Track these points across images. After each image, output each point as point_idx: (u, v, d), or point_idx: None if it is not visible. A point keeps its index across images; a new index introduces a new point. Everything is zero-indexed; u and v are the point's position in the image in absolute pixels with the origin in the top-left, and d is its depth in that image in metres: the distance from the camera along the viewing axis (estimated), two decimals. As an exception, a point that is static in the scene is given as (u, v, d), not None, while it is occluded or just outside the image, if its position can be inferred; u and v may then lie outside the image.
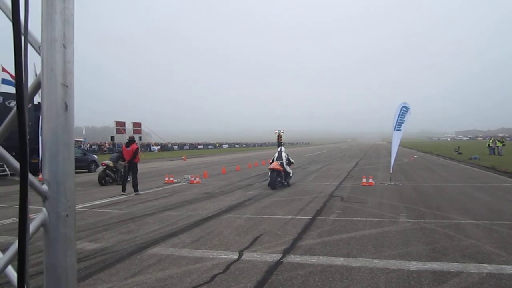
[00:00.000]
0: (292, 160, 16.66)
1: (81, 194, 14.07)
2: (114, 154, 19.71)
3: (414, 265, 5.51)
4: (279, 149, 16.95)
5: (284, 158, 15.85)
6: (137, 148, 14.85)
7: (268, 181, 15.53)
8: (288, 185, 15.98)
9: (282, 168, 15.48)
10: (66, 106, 0.97)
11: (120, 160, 16.28)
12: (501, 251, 6.11)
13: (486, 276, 5.04)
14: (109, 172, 17.50)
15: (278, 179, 15.32)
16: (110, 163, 17.55)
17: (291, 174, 16.45)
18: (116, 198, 13.06)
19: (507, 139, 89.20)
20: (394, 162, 16.70)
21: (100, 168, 20.39)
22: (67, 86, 0.97)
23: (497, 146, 38.32)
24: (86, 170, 26.17)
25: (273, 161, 16.01)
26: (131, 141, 14.78)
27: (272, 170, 15.28)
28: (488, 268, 5.34)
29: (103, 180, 17.23)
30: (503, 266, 5.43)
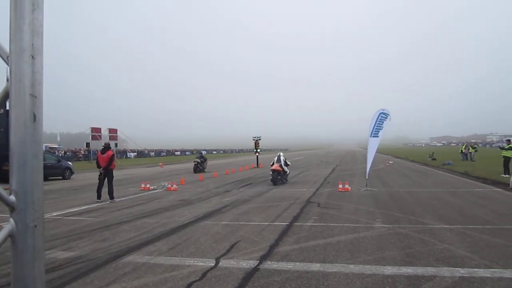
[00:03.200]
0: (288, 162, 20.41)
1: (55, 201, 13.83)
2: (199, 154, 33.64)
3: (389, 270, 5.58)
4: (278, 153, 20.49)
5: (282, 161, 19.45)
6: (113, 155, 14.67)
7: (270, 179, 19.36)
8: (286, 181, 19.92)
9: (281, 169, 19.13)
10: (35, 116, 0.97)
11: (201, 159, 30.51)
12: (473, 255, 6.24)
13: (459, 280, 5.14)
14: (199, 165, 29.33)
15: (279, 177, 19.05)
16: (198, 160, 30.03)
17: (288, 173, 20.33)
18: (91, 206, 12.87)
19: (479, 145, 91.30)
20: (371, 168, 16.89)
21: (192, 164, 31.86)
22: (35, 97, 0.97)
23: (470, 152, 39.18)
24: (60, 177, 25.71)
25: (273, 164, 19.48)
26: (106, 147, 14.60)
27: (273, 170, 19.07)
28: (460, 271, 5.45)
29: (197, 169, 29.12)
30: (475, 269, 5.54)
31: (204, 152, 42.20)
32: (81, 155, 61.43)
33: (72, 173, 27.10)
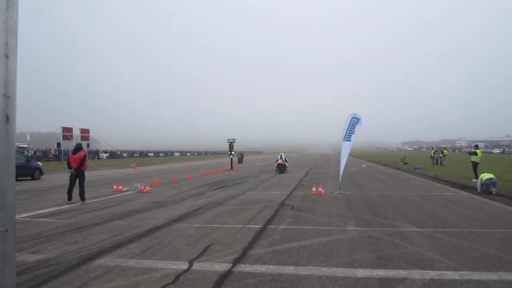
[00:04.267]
0: (287, 160, 32.69)
1: (24, 203, 13.47)
2: (240, 153, 45.97)
3: (361, 273, 5.65)
4: (280, 154, 32.00)
5: (283, 158, 30.75)
6: (85, 155, 14.43)
7: (276, 170, 30.20)
8: (286, 171, 30.66)
9: (283, 163, 30.32)
10: (7, 117, 0.94)
11: (240, 155, 47.16)
12: (442, 258, 6.37)
13: (429, 282, 5.24)
14: (241, 159, 41.77)
15: (282, 168, 29.94)
16: (240, 156, 44.04)
17: (286, 166, 31.75)
18: (61, 207, 12.60)
19: (449, 150, 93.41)
20: (344, 171, 17.07)
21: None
22: (8, 97, 0.94)
23: (440, 157, 40.03)
24: (29, 178, 25.11)
25: (277, 160, 30.71)
26: (78, 148, 14.33)
27: (279, 164, 30.11)
28: (430, 274, 5.56)
29: (240, 161, 42.51)
30: (444, 272, 5.66)
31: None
32: (51, 155, 60.08)
33: (41, 173, 26.50)
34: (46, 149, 69.22)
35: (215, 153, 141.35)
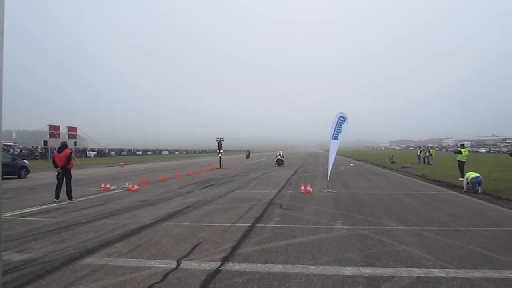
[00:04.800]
0: (284, 156, 40.86)
1: (10, 201, 13.35)
2: (247, 150, 65.47)
3: (349, 271, 5.68)
4: (279, 151, 41.42)
5: (282, 155, 39.12)
6: (70, 153, 14.30)
7: (276, 164, 38.40)
8: (283, 165, 38.15)
9: (282, 158, 38.43)
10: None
11: (248, 152, 57.08)
12: (429, 256, 6.43)
13: (416, 280, 5.29)
14: (249, 155, 57.29)
15: (280, 162, 37.91)
16: (248, 153, 64.34)
17: (284, 161, 39.34)
18: (48, 206, 12.49)
19: (436, 149, 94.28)
20: (332, 170, 17.15)
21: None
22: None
23: (427, 156, 40.38)
24: (15, 176, 24.86)
25: (277, 156, 39.23)
26: (63, 146, 14.17)
27: (278, 159, 38.32)
28: (417, 272, 5.61)
29: (247, 157, 55.31)
30: (431, 269, 5.72)
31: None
32: (38, 154, 59.44)
33: (28, 172, 26.27)
34: (32, 147, 68.50)
35: (203, 152, 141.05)
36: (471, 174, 15.98)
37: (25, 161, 28.61)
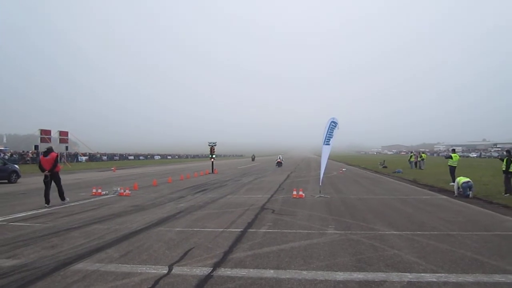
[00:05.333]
0: (283, 159, 52.37)
1: (0, 206, 13.32)
2: (253, 155, 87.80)
3: (340, 276, 5.69)
4: (279, 156, 54.44)
5: (281, 158, 50.83)
6: (57, 156, 14.35)
7: (276, 165, 48.26)
8: (281, 166, 48.34)
9: (281, 161, 49.67)
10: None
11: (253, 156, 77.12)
12: (420, 260, 6.46)
13: (407, 285, 5.30)
14: (254, 159, 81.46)
15: (280, 164, 47.79)
16: (254, 156, 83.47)
17: (283, 164, 49.50)
18: (39, 211, 12.40)
19: (428, 153, 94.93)
20: (324, 175, 17.18)
21: None
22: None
23: (419, 160, 40.63)
24: (6, 181, 24.67)
25: (277, 159, 50.27)
26: (49, 150, 14.23)
27: (278, 162, 49.02)
28: (409, 276, 5.62)
29: (253, 160, 79.10)
30: (422, 274, 5.74)
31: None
32: (28, 158, 58.98)
33: (18, 176, 26.08)
34: (23, 151, 67.92)
35: (196, 157, 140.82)
36: (461, 179, 16.10)
37: (16, 165, 28.39)
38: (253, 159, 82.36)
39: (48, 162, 13.85)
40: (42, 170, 13.94)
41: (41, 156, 14.48)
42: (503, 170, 16.21)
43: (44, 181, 13.81)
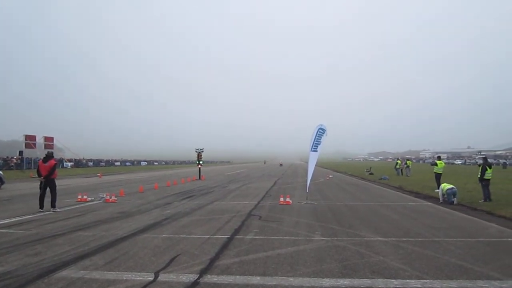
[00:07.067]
0: (282, 163, 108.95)
1: (-17, 213, 13.04)
2: (264, 161, 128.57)
3: (327, 282, 5.71)
4: (281, 161, 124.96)
5: (281, 163, 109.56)
6: (55, 164, 14.49)
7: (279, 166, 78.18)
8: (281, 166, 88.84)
9: (281, 163, 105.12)
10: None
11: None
12: (406, 267, 6.51)
13: (392, 291, 5.35)
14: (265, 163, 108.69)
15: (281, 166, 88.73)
16: (264, 162, 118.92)
17: (282, 165, 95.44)
18: (23, 218, 12.24)
19: (413, 160, 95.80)
20: (311, 181, 17.23)
21: None
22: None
23: (405, 167, 41.00)
24: (-11, 187, 24.31)
25: (280, 163, 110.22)
26: (49, 156, 14.29)
27: (280, 164, 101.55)
28: (394, 283, 5.66)
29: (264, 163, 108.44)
30: (407, 280, 5.78)
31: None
32: (13, 164, 58.17)
33: (2, 182, 25.69)
34: (7, 157, 66.96)
35: (183, 163, 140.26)
36: (446, 186, 16.26)
37: (0, 171, 28.01)
38: (265, 162, 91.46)
39: (45, 168, 14.02)
40: (39, 175, 14.11)
41: (40, 161, 14.58)
42: (479, 178, 16.36)
43: (39, 186, 13.89)
